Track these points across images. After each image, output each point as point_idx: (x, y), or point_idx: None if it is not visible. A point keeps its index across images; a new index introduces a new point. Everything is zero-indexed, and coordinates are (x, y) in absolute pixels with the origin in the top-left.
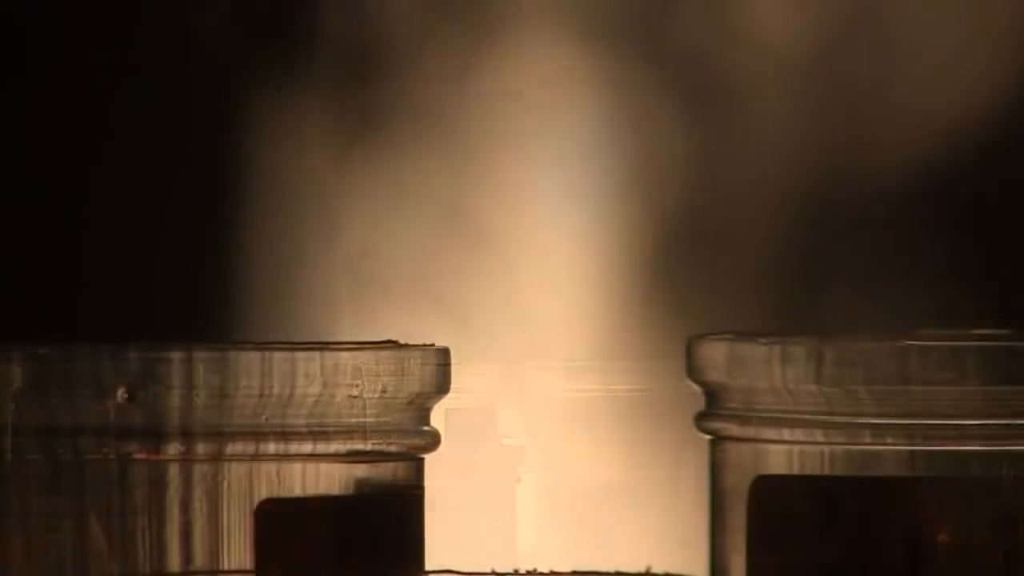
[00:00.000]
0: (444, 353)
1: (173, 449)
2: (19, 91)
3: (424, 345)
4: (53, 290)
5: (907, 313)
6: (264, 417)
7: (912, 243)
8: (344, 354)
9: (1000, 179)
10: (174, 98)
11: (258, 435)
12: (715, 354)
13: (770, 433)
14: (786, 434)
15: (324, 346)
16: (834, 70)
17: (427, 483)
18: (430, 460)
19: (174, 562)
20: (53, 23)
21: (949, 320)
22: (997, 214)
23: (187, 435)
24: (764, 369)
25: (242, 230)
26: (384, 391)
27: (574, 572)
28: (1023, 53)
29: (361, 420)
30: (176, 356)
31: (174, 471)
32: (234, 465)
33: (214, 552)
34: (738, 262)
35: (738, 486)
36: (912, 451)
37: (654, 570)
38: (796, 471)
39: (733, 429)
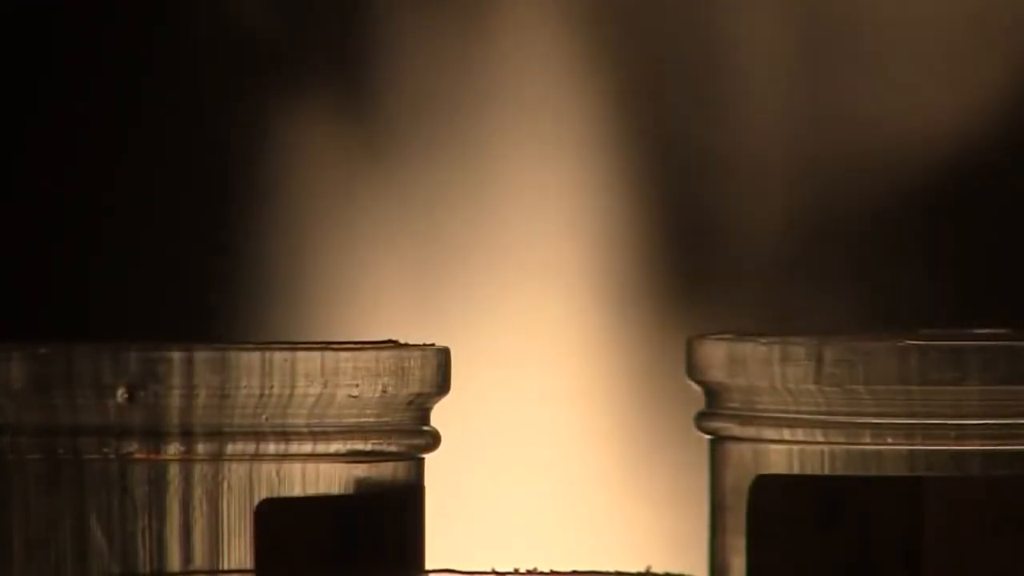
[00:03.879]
0: (444, 353)
1: (173, 449)
2: (21, 91)
3: (424, 345)
4: (55, 290)
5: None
6: (264, 417)
7: (906, 246)
8: (344, 354)
9: (995, 185)
10: (184, 102)
11: (258, 435)
12: (715, 354)
13: (770, 433)
14: (786, 434)
15: (324, 346)
16: (826, 73)
17: (427, 483)
18: (430, 460)
19: (174, 562)
20: (71, 24)
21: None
22: (992, 219)
23: (187, 435)
24: (764, 369)
25: (244, 230)
26: (384, 391)
27: (574, 572)
28: (1014, 57)
29: (361, 420)
30: (176, 356)
31: (174, 471)
32: (234, 465)
33: (214, 552)
34: (736, 261)
35: (738, 486)
36: (912, 451)
37: (654, 570)
38: (796, 471)
39: (733, 429)
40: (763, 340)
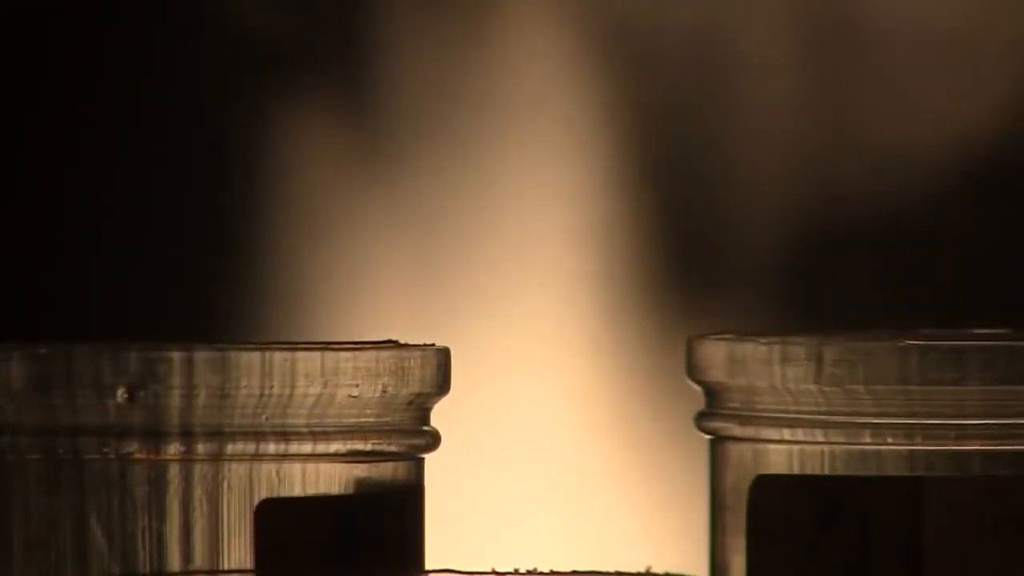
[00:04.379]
0: (444, 353)
1: (173, 449)
2: (21, 91)
3: (424, 345)
4: (55, 290)
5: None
6: (264, 417)
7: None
8: (344, 354)
9: (995, 185)
10: (184, 102)
11: (258, 435)
12: (715, 354)
13: (770, 433)
14: (786, 434)
15: (324, 346)
16: (827, 76)
17: (427, 483)
18: (430, 460)
19: (174, 562)
20: (71, 24)
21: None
22: (992, 219)
23: (187, 435)
24: (764, 369)
25: (244, 230)
26: (384, 391)
27: (574, 572)
28: (1016, 66)
29: (361, 420)
30: (176, 356)
31: (174, 471)
32: (234, 465)
33: (214, 552)
34: (736, 261)
35: (738, 486)
36: (912, 451)
37: (654, 570)
38: (796, 471)
39: (733, 429)
40: (763, 340)
